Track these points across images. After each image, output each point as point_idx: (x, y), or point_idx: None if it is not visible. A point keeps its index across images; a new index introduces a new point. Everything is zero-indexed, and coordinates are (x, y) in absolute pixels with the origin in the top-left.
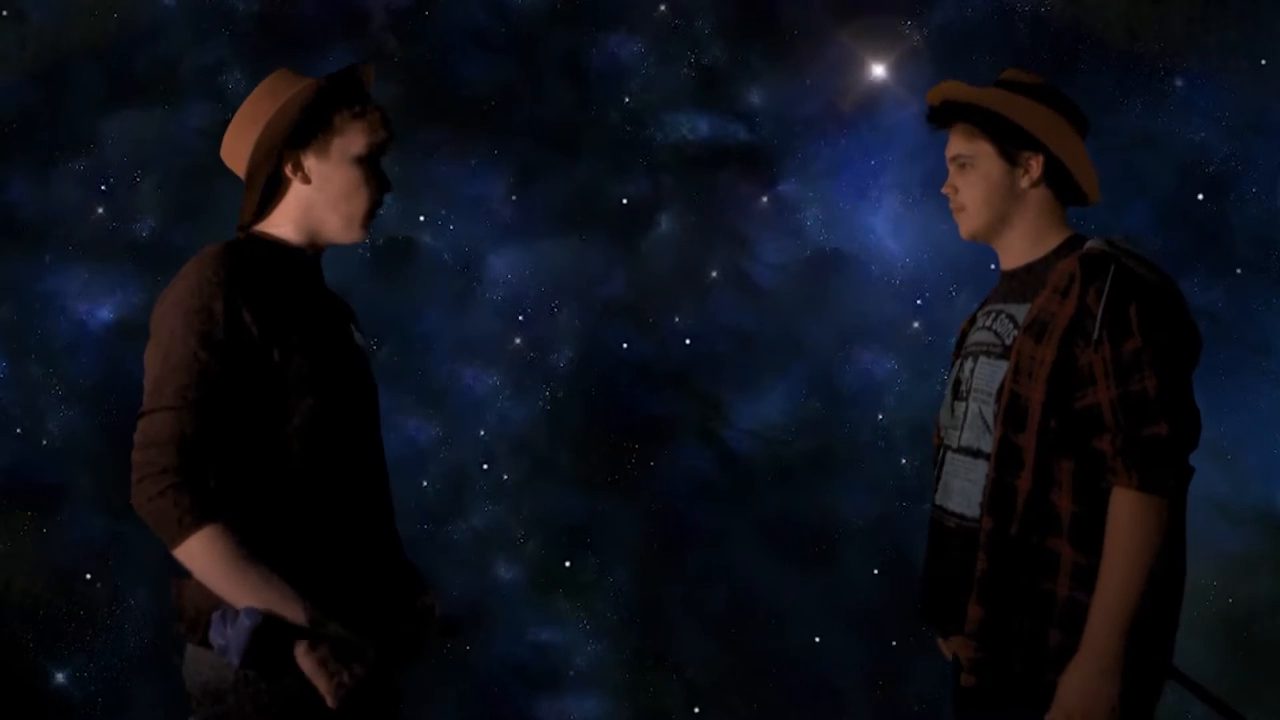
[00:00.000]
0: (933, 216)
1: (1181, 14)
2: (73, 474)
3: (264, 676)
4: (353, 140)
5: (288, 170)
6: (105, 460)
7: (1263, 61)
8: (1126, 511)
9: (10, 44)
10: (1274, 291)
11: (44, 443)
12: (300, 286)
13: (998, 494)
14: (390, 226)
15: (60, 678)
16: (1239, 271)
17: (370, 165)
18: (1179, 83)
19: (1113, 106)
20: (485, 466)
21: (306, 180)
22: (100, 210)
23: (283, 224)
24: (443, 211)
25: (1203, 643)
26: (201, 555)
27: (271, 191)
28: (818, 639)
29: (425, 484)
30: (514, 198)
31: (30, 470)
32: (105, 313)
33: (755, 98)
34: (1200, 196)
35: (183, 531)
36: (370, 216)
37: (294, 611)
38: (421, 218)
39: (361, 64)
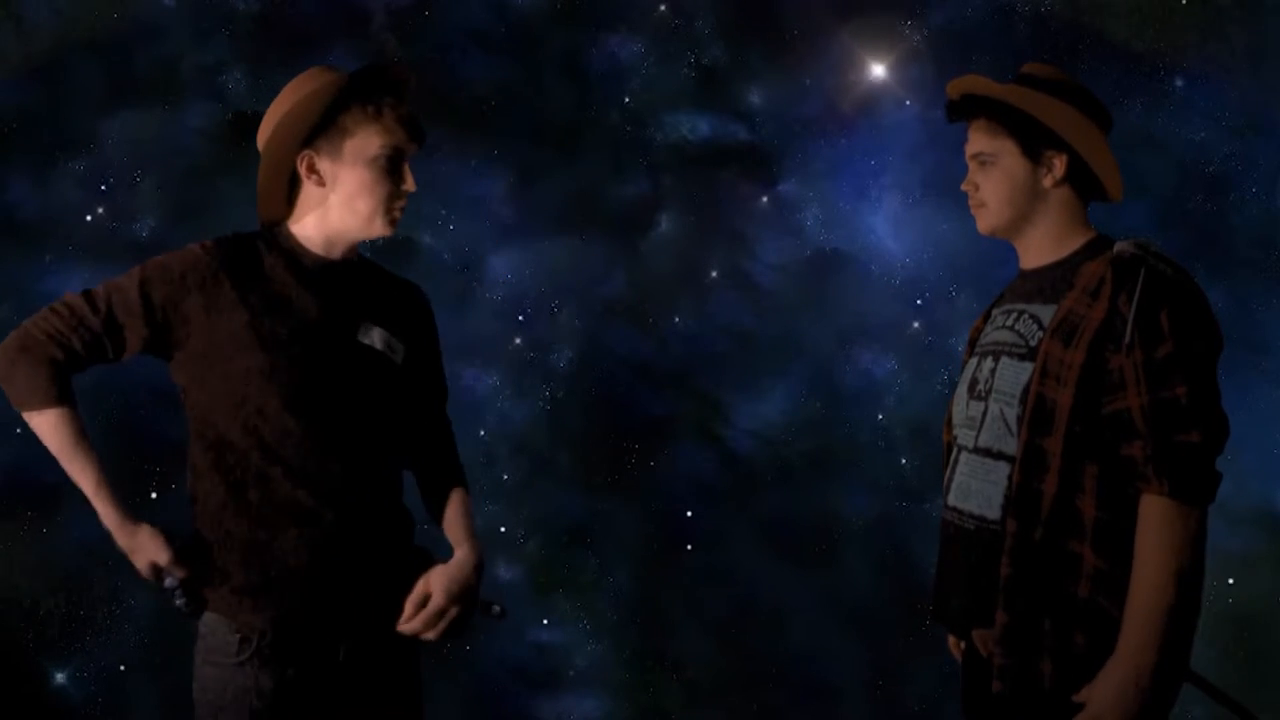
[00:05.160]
0: (933, 216)
1: (1182, 14)
2: None
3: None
4: (366, 142)
5: (302, 171)
6: (105, 460)
7: (1263, 61)
8: (1157, 519)
9: (10, 44)
10: (1274, 291)
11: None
12: (292, 286)
13: (1023, 498)
14: None
15: (60, 678)
16: (1239, 271)
17: (386, 166)
18: (1179, 83)
19: (1113, 106)
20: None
21: (321, 182)
22: (100, 210)
23: (306, 222)
24: (443, 211)
25: (1201, 642)
26: (51, 432)
27: (296, 189)
28: (817, 639)
29: None
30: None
31: (30, 470)
32: None
33: (755, 98)
34: (1200, 196)
35: (39, 402)
36: (389, 212)
37: (106, 511)
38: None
39: (392, 64)
